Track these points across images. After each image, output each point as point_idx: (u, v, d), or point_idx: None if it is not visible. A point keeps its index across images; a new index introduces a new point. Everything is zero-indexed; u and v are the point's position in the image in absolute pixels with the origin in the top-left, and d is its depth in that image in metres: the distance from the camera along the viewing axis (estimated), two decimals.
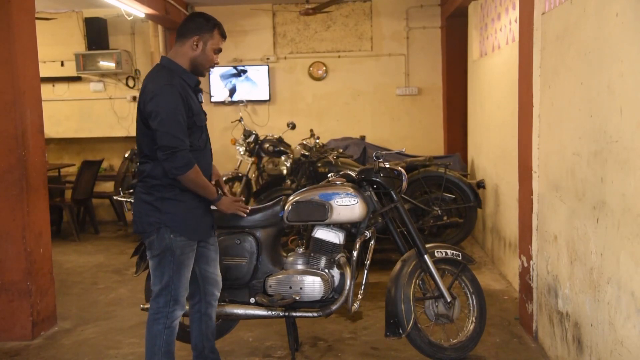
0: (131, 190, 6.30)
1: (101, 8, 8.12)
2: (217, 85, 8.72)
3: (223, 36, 3.10)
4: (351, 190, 3.53)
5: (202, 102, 3.19)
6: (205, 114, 3.23)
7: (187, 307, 3.34)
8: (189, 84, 3.04)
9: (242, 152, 7.39)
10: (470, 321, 3.73)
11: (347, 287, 3.52)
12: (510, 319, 4.36)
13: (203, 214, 3.12)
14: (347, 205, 3.49)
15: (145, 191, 3.01)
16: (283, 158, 6.49)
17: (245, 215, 3.38)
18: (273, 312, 3.57)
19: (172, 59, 3.04)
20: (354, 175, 3.70)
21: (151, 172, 2.99)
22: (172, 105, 2.87)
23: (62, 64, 8.73)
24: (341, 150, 6.48)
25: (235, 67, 8.62)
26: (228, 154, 8.42)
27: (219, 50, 3.11)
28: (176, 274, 2.99)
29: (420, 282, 3.65)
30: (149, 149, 2.98)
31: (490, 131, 6.00)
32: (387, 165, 3.68)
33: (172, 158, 2.86)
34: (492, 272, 5.58)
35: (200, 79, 3.17)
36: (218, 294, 3.34)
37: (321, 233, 3.57)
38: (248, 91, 8.66)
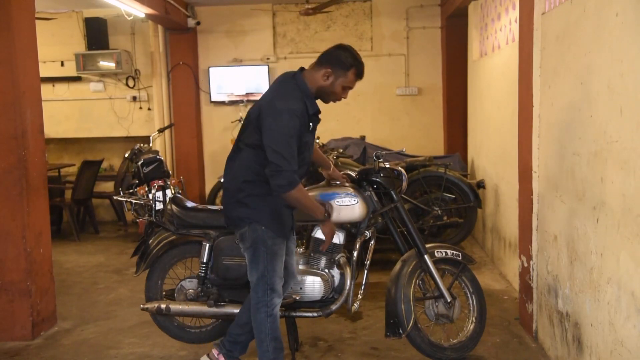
0: (131, 190, 6.34)
1: (101, 8, 8.11)
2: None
3: (358, 76, 3.15)
4: (351, 190, 3.53)
5: (314, 127, 3.19)
6: (313, 137, 3.26)
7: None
8: (309, 111, 3.09)
9: None
10: (470, 321, 3.73)
11: (347, 287, 3.52)
12: (510, 319, 4.36)
13: (287, 213, 3.21)
14: (347, 205, 3.49)
15: (235, 187, 3.12)
16: None
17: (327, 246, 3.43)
18: None
19: (305, 80, 3.11)
20: (354, 175, 3.70)
21: (250, 179, 3.11)
22: (288, 130, 2.96)
23: (62, 64, 8.73)
24: (341, 150, 6.47)
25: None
26: (228, 154, 8.40)
27: (350, 88, 3.16)
28: (270, 264, 3.12)
29: (420, 282, 3.65)
30: (254, 159, 3.10)
31: (490, 131, 6.00)
32: (387, 165, 3.68)
33: (277, 176, 2.97)
34: (492, 272, 5.58)
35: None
36: (291, 285, 3.42)
37: (321, 233, 3.56)
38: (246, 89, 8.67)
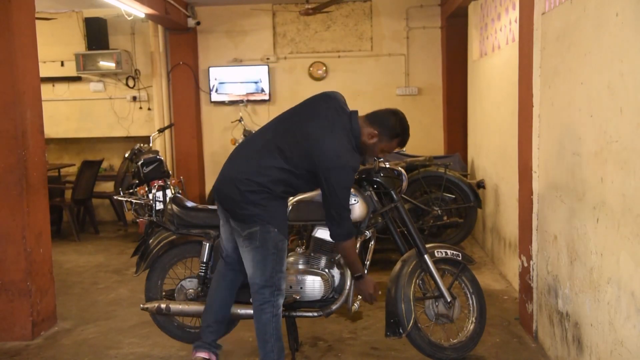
0: (131, 190, 6.33)
1: (101, 8, 8.12)
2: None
3: (400, 145, 3.31)
4: (351, 190, 3.53)
5: None
6: None
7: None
8: None
9: None
10: (470, 321, 3.73)
11: (347, 287, 3.52)
12: (510, 319, 4.36)
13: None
14: None
15: (251, 189, 3.09)
16: None
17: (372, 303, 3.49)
18: None
19: (360, 131, 3.14)
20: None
21: (268, 186, 3.09)
22: (350, 184, 3.12)
23: (62, 64, 8.73)
24: None
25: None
26: (228, 155, 8.41)
27: (388, 152, 3.32)
28: (278, 265, 3.18)
29: (420, 282, 3.65)
30: (277, 170, 3.09)
31: (490, 131, 6.00)
32: (387, 165, 3.68)
33: (341, 225, 3.13)
34: (492, 272, 5.58)
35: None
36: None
37: (321, 233, 3.56)
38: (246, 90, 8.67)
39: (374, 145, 3.19)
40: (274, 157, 3.10)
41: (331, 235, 3.23)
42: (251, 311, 3.54)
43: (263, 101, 8.69)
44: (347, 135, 3.09)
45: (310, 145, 3.04)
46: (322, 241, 3.56)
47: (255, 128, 7.96)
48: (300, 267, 3.60)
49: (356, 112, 3.19)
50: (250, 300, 3.58)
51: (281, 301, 3.22)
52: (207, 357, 3.42)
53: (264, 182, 3.09)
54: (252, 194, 3.09)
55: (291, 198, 3.58)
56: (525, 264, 4.10)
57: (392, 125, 3.19)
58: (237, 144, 7.45)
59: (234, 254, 3.37)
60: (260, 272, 3.15)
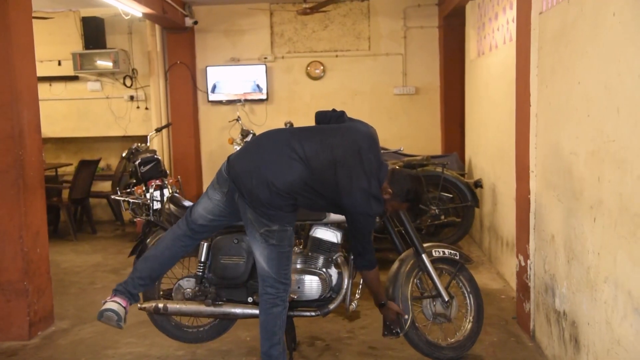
0: (128, 190, 6.31)
1: (98, 7, 8.10)
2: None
3: (409, 210, 3.52)
4: None
5: None
6: None
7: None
8: None
9: None
10: (468, 320, 3.73)
11: (345, 287, 3.52)
12: (508, 318, 4.37)
13: None
14: None
15: (282, 195, 3.11)
16: None
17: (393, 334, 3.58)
18: None
19: (385, 181, 3.20)
20: None
21: (296, 197, 3.14)
22: (373, 225, 3.22)
23: (59, 63, 8.71)
24: None
25: None
26: (226, 154, 8.40)
27: (396, 210, 3.46)
28: (290, 262, 3.29)
29: (418, 281, 3.65)
30: (308, 188, 3.12)
31: (487, 130, 6.00)
32: None
33: (365, 256, 3.26)
34: (490, 272, 5.59)
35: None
36: None
37: (319, 232, 3.57)
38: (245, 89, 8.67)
39: (386, 201, 3.25)
40: (307, 174, 3.10)
41: (357, 264, 3.34)
42: (249, 311, 3.56)
43: (260, 100, 8.68)
44: (378, 183, 3.15)
45: (345, 186, 3.07)
46: (320, 241, 3.57)
47: (252, 127, 7.96)
48: (298, 266, 3.61)
49: (387, 165, 3.26)
50: (249, 299, 3.60)
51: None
52: (124, 306, 3.33)
53: (293, 192, 3.11)
54: (280, 199, 3.12)
55: None
56: (523, 263, 4.11)
57: (407, 191, 3.24)
58: (234, 144, 7.46)
59: (204, 227, 3.36)
60: (275, 268, 3.21)
